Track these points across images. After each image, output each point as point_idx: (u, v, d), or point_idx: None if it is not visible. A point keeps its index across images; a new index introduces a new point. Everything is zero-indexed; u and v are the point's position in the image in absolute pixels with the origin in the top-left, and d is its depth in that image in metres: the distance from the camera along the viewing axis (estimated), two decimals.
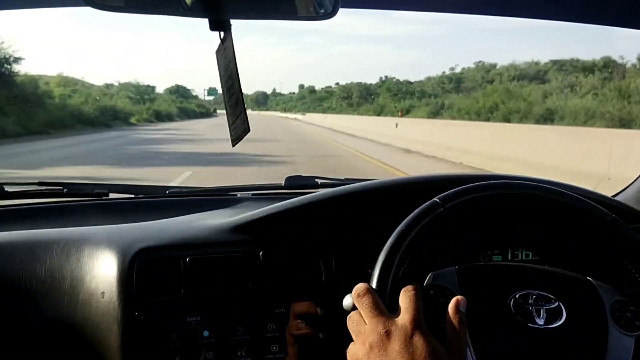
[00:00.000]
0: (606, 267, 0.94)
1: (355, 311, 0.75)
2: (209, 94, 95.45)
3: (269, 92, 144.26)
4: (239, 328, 1.00)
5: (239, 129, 0.84)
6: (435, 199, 0.82)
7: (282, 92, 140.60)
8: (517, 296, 0.81)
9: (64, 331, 0.99)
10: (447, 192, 0.83)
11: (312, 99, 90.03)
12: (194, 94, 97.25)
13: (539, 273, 0.87)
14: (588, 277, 0.87)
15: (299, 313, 1.00)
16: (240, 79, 0.84)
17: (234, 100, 0.84)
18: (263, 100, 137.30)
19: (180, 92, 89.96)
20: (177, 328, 0.97)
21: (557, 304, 0.81)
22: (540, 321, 0.79)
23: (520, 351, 0.78)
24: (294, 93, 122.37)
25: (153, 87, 75.81)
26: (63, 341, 1.00)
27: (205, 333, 0.98)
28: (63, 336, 1.00)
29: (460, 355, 0.71)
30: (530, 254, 1.19)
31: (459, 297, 0.76)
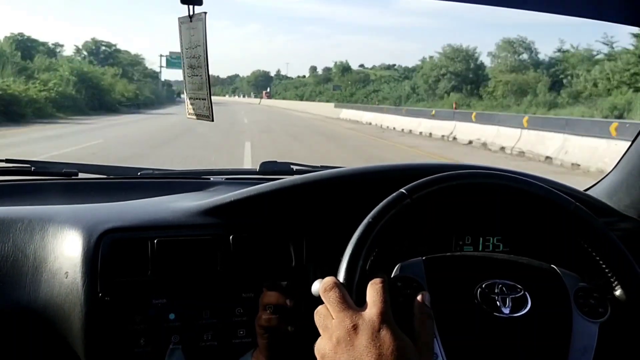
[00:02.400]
0: (571, 255, 0.95)
1: (322, 305, 0.74)
2: (168, 65, 62.35)
3: (272, 72, 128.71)
4: (205, 312, 0.98)
5: (199, 110, 0.83)
6: (402, 190, 0.82)
7: (289, 75, 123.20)
8: (483, 286, 0.82)
9: (26, 310, 0.97)
10: (413, 183, 0.82)
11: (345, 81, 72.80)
12: (145, 63, 65.27)
13: (505, 262, 0.87)
14: (552, 265, 0.88)
15: (268, 303, 0.99)
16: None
17: (197, 83, 0.83)
18: (264, 83, 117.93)
19: (104, 55, 56.65)
20: (142, 310, 0.95)
21: (522, 292, 0.81)
22: (506, 310, 0.79)
23: (487, 340, 0.78)
24: (304, 76, 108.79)
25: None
26: (25, 321, 0.97)
27: (171, 316, 0.97)
28: (25, 315, 0.97)
29: (428, 349, 0.71)
30: (501, 245, 1.20)
31: (423, 292, 0.76)
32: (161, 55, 66.48)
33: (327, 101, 54.98)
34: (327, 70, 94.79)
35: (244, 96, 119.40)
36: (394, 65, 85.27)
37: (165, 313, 0.97)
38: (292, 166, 1.55)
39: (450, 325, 0.78)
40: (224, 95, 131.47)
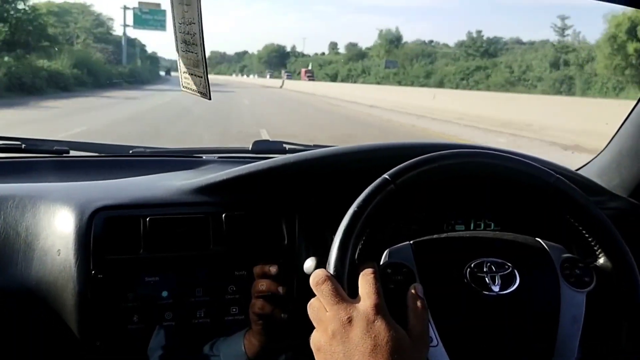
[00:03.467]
0: (555, 228, 0.96)
1: (315, 298, 0.74)
2: (136, 22, 42.49)
3: (287, 48, 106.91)
4: (198, 289, 0.99)
5: (196, 87, 0.82)
6: (385, 175, 0.81)
7: (306, 52, 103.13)
8: (472, 265, 0.82)
9: (18, 288, 0.97)
10: (396, 168, 0.82)
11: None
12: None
13: (491, 240, 0.88)
14: (537, 239, 0.88)
15: (260, 291, 1.00)
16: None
17: (192, 59, 0.81)
18: (278, 60, 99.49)
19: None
20: (135, 288, 0.96)
21: (510, 269, 0.82)
22: (496, 288, 0.80)
23: (478, 319, 0.79)
24: (323, 54, 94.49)
25: None
26: (18, 298, 0.97)
27: (164, 293, 0.97)
28: (18, 293, 0.97)
29: (423, 340, 0.72)
30: (493, 224, 1.20)
31: (416, 285, 0.76)
32: (125, 8, 42.67)
33: (379, 83, 44.44)
34: (352, 46, 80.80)
35: (253, 75, 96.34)
36: (431, 41, 72.28)
37: (158, 290, 0.97)
38: (284, 145, 1.55)
39: (441, 307, 0.79)
40: (230, 75, 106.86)
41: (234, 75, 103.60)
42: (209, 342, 1.00)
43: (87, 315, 0.93)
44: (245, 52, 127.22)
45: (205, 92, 0.83)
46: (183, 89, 0.87)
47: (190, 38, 0.80)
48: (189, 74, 0.86)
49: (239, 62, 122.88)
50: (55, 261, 0.95)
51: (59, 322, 0.95)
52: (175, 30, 0.83)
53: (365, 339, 0.67)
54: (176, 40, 0.85)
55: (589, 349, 0.82)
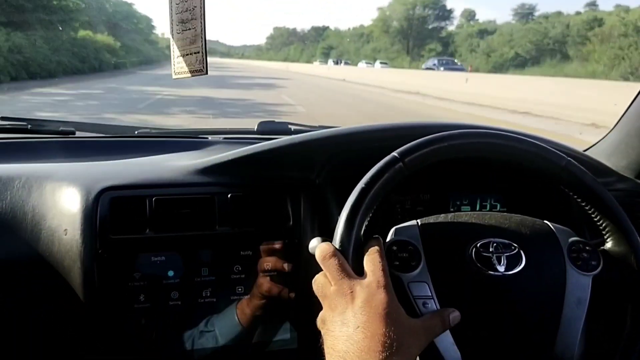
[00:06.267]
0: (564, 210, 0.95)
1: (320, 274, 0.75)
2: None
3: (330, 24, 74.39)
4: (204, 269, 0.99)
5: (191, 66, 0.81)
6: (394, 153, 0.81)
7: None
8: (478, 245, 0.82)
9: (25, 267, 0.98)
10: (405, 146, 0.82)
11: None
12: None
13: (498, 221, 0.87)
14: (545, 221, 0.88)
15: (266, 269, 1.02)
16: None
17: (189, 37, 0.80)
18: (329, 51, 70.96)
19: None
20: (141, 267, 0.96)
21: (516, 250, 0.82)
22: (501, 268, 0.80)
23: (483, 299, 0.80)
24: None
25: None
26: (24, 277, 0.98)
27: (170, 273, 0.98)
28: (24, 272, 0.98)
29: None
30: (499, 205, 1.20)
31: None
32: None
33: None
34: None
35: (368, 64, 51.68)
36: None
37: (164, 270, 0.98)
38: (290, 126, 1.54)
39: (446, 285, 0.79)
40: (309, 63, 64.55)
41: (317, 64, 60.23)
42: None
43: (94, 294, 0.94)
44: (325, 28, 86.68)
45: (201, 67, 0.82)
46: (175, 76, 0.86)
47: (189, 14, 0.79)
48: (183, 55, 0.85)
49: (315, 42, 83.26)
50: (62, 241, 0.96)
51: (66, 299, 0.96)
52: (171, 13, 0.82)
53: (364, 307, 0.68)
54: (171, 24, 0.83)
55: (592, 332, 0.82)
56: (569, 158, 0.83)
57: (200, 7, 0.78)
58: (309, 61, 69.25)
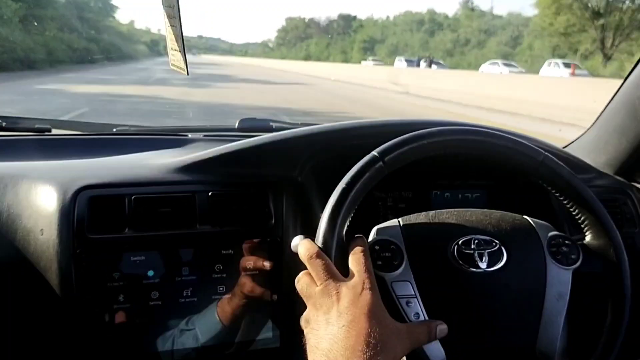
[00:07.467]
0: (543, 205, 0.96)
1: (304, 273, 0.75)
2: None
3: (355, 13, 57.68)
4: (185, 268, 0.98)
5: (177, 62, 0.81)
6: (373, 152, 0.81)
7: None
8: (459, 242, 0.82)
9: (2, 267, 0.95)
10: (384, 145, 0.82)
11: None
12: None
13: (479, 217, 0.88)
14: (525, 216, 0.89)
15: (247, 268, 1.01)
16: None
17: (174, 34, 0.80)
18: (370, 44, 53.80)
19: None
20: (120, 267, 0.95)
21: (498, 246, 0.83)
22: (483, 265, 0.81)
23: (466, 296, 0.80)
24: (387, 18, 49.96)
25: None
26: (1, 276, 0.96)
27: (150, 273, 0.96)
28: (1, 271, 0.96)
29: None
30: (481, 202, 1.21)
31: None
32: None
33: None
34: None
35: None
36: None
37: (144, 270, 0.96)
38: (271, 123, 1.53)
39: (428, 283, 0.79)
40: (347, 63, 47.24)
41: (370, 64, 44.24)
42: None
43: (72, 295, 0.92)
44: (353, 18, 68.10)
45: (183, 67, 0.83)
46: (172, 67, 0.86)
47: (171, 11, 0.78)
48: (173, 50, 0.85)
49: (344, 34, 64.08)
50: (38, 241, 0.93)
51: (44, 301, 0.93)
52: (163, 5, 0.81)
53: (350, 307, 0.68)
54: (164, 16, 0.83)
55: (574, 325, 0.83)
56: (546, 153, 0.84)
57: (177, 6, 0.78)
58: (345, 60, 51.24)
